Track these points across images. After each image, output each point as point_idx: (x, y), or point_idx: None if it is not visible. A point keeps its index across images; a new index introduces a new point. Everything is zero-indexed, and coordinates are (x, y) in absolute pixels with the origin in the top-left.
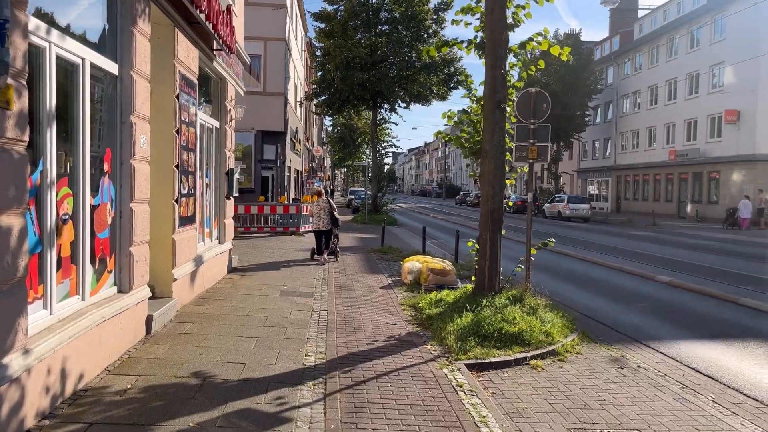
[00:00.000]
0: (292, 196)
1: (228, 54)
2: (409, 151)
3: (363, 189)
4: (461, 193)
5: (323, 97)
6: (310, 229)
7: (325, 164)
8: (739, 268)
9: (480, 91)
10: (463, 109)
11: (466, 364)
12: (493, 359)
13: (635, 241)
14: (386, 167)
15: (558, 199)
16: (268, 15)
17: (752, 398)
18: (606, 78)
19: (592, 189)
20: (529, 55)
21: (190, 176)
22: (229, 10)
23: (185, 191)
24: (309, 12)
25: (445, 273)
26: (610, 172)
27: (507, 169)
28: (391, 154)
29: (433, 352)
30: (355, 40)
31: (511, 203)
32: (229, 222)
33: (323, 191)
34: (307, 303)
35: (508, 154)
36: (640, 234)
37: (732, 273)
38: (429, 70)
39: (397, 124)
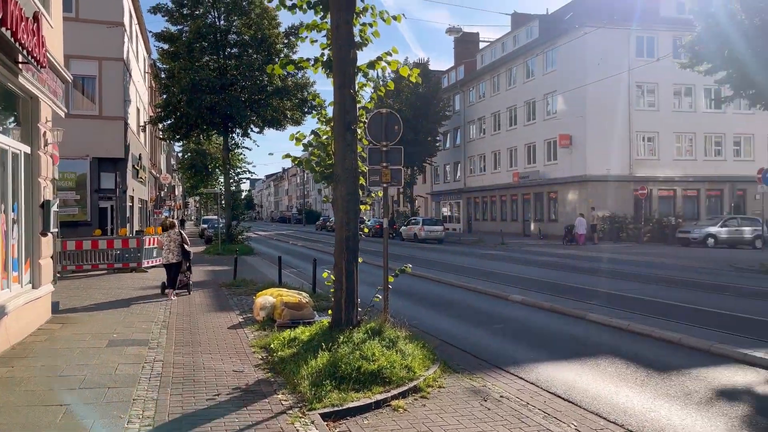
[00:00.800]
0: (136, 228)
1: (38, 69)
2: (267, 177)
3: (217, 217)
4: (321, 218)
5: (169, 122)
6: (161, 262)
7: (176, 192)
8: (582, 282)
9: (330, 112)
10: (314, 131)
11: (321, 414)
12: (351, 404)
13: (487, 261)
14: (243, 194)
15: (413, 221)
16: (104, 33)
17: (612, 422)
18: (453, 105)
19: (446, 211)
20: (380, 79)
21: None
22: (36, 17)
23: None
24: (151, 32)
25: (301, 307)
26: (461, 195)
27: (361, 193)
28: (247, 181)
29: (284, 402)
30: (202, 62)
31: (367, 229)
32: (47, 262)
33: (175, 222)
34: (140, 353)
35: (361, 177)
36: (491, 253)
37: (578, 288)
38: (282, 94)
39: (250, 149)
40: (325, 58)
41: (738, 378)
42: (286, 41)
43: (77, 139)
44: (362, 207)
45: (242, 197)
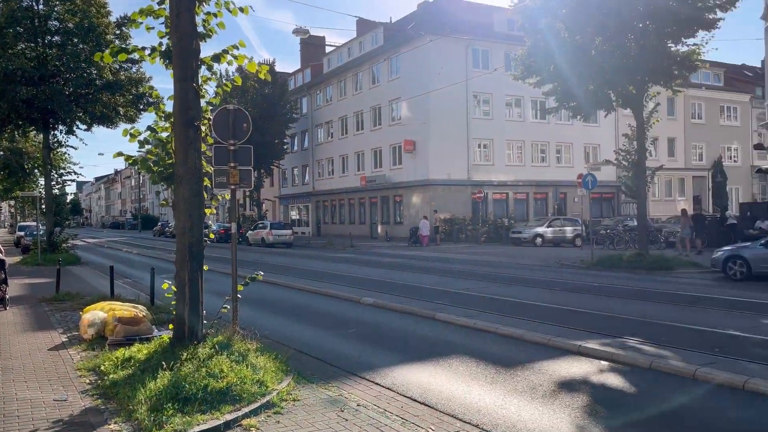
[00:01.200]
0: None
1: None
2: (97, 179)
3: (36, 224)
4: (159, 223)
5: None
6: None
7: None
8: (429, 283)
9: (169, 107)
10: (150, 126)
11: None
12: (197, 428)
13: (337, 263)
14: (68, 197)
15: (261, 225)
16: None
17: (468, 422)
18: (301, 107)
19: (294, 215)
20: (223, 77)
21: None
22: None
23: None
24: None
25: (137, 321)
26: (310, 198)
27: (206, 196)
28: (72, 183)
29: None
30: (16, 49)
31: (212, 235)
32: None
33: None
34: None
35: (206, 179)
36: (340, 256)
37: (425, 288)
38: (113, 89)
39: (76, 148)
40: (163, 47)
41: (575, 369)
42: (118, 32)
43: None
44: (207, 211)
45: (67, 201)
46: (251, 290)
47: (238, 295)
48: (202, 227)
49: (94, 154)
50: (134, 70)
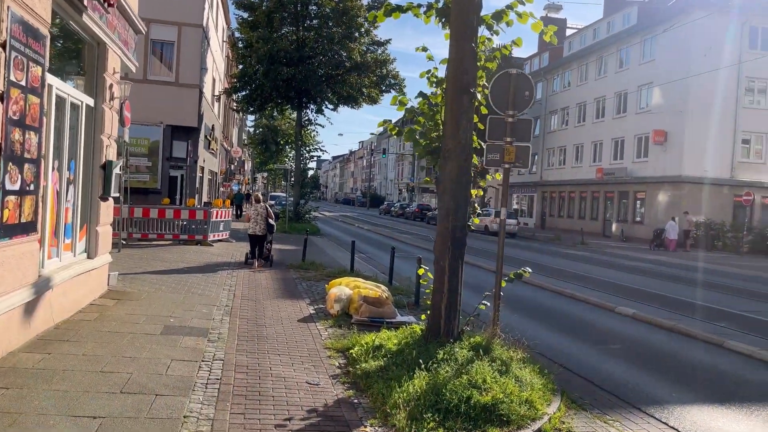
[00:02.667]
0: (205, 199)
1: (105, 8)
2: (334, 158)
3: (284, 195)
4: (385, 203)
5: (243, 93)
6: (226, 236)
7: (246, 167)
8: (694, 297)
9: (441, 71)
10: (421, 92)
11: None
12: None
13: (569, 261)
14: (310, 172)
15: (485, 212)
16: None
17: None
18: (535, 93)
19: (516, 204)
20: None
21: (27, 165)
22: None
23: (13, 186)
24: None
25: (381, 303)
26: (536, 188)
27: (473, 174)
28: (315, 160)
29: None
30: (280, 33)
31: (477, 220)
32: (105, 230)
33: (260, 197)
34: (198, 347)
35: (474, 156)
36: (571, 253)
37: (692, 304)
38: (360, 70)
39: (323, 126)
40: (440, 3)
41: None
42: (368, 14)
43: (152, 105)
44: (473, 192)
45: (310, 176)
46: (474, 278)
47: (501, 292)
48: (467, 210)
49: (333, 136)
50: (380, 51)
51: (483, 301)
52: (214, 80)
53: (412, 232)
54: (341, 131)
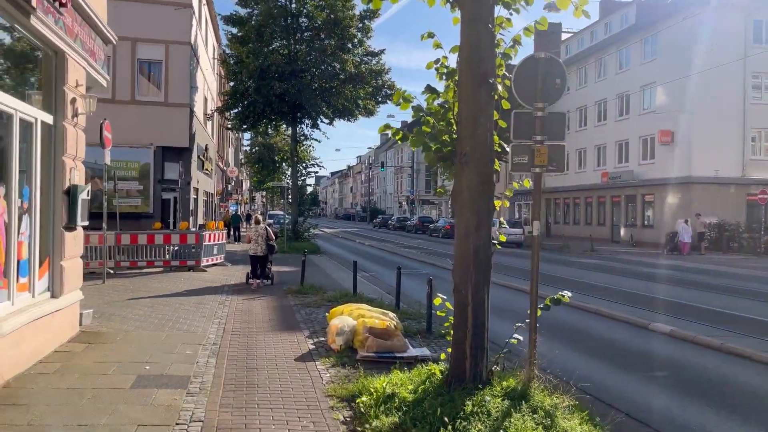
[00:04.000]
0: (200, 221)
1: (58, 10)
2: (333, 174)
3: (282, 213)
4: (380, 216)
5: (236, 110)
6: (220, 260)
7: (244, 187)
8: (725, 306)
9: (452, 61)
10: (429, 86)
11: None
12: None
13: (583, 270)
14: (309, 189)
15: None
16: (171, 15)
17: None
18: (567, 81)
19: (517, 213)
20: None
21: None
22: None
23: None
24: (220, 15)
25: (390, 334)
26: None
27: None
28: (313, 176)
29: None
30: (272, 47)
31: (504, 237)
32: (72, 264)
33: (260, 218)
34: (174, 403)
35: (496, 160)
36: (583, 261)
37: (735, 316)
38: (355, 82)
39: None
40: None
41: None
42: (360, 25)
43: (141, 126)
44: (497, 203)
45: (309, 193)
46: (504, 301)
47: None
48: (490, 226)
49: (330, 151)
50: (374, 62)
51: (515, 335)
52: (206, 99)
53: (415, 245)
54: (338, 146)
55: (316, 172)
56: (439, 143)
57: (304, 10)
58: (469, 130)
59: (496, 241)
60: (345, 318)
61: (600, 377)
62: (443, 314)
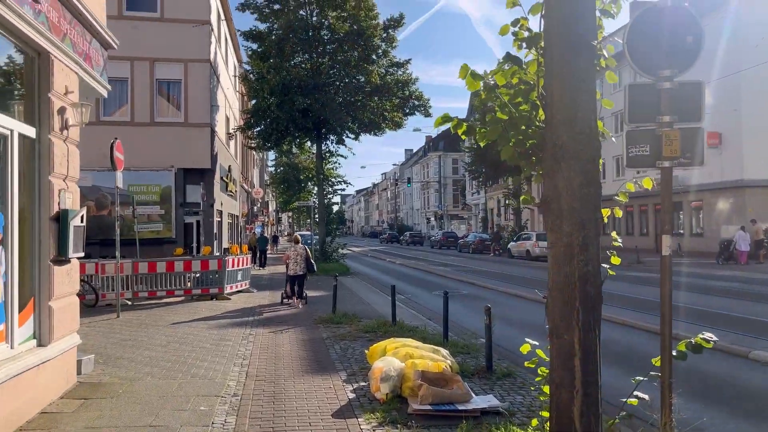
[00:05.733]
0: (225, 245)
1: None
2: (358, 192)
3: (309, 233)
4: (387, 233)
5: (258, 128)
6: (246, 286)
7: (270, 208)
8: None
9: (534, 24)
10: (509, 54)
11: None
12: None
13: (636, 285)
14: (335, 208)
15: (524, 236)
16: (189, 33)
17: None
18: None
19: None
20: None
21: None
22: None
23: None
24: (239, 31)
25: (447, 380)
26: None
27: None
28: (339, 194)
29: None
30: (293, 61)
31: (618, 260)
32: (66, 303)
33: (299, 237)
34: None
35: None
36: (632, 275)
37: None
38: (381, 93)
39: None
40: None
41: None
42: (384, 35)
43: (161, 148)
44: (604, 212)
45: (335, 212)
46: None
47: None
48: (599, 245)
49: (355, 169)
50: (400, 72)
51: (635, 393)
52: (227, 119)
53: (447, 262)
54: (362, 164)
55: (343, 189)
56: (520, 133)
57: (326, 22)
58: (565, 113)
59: (608, 266)
60: (390, 359)
61: (720, 428)
62: (533, 365)
